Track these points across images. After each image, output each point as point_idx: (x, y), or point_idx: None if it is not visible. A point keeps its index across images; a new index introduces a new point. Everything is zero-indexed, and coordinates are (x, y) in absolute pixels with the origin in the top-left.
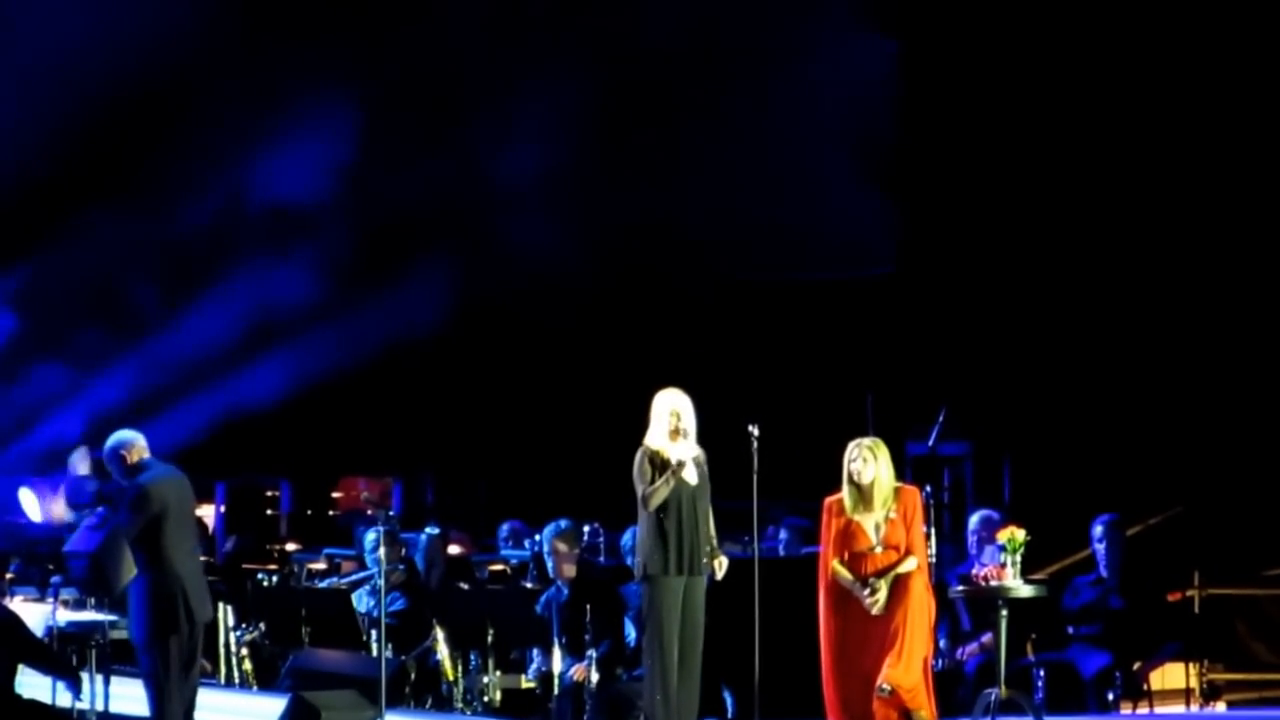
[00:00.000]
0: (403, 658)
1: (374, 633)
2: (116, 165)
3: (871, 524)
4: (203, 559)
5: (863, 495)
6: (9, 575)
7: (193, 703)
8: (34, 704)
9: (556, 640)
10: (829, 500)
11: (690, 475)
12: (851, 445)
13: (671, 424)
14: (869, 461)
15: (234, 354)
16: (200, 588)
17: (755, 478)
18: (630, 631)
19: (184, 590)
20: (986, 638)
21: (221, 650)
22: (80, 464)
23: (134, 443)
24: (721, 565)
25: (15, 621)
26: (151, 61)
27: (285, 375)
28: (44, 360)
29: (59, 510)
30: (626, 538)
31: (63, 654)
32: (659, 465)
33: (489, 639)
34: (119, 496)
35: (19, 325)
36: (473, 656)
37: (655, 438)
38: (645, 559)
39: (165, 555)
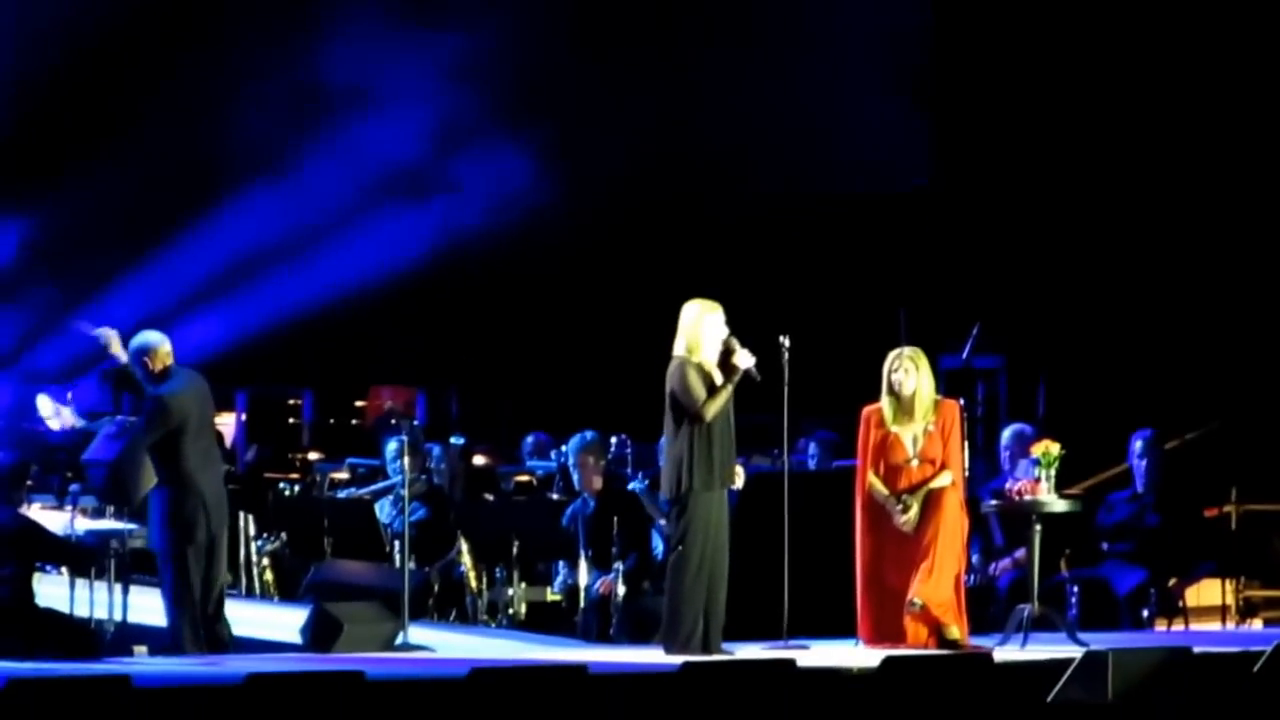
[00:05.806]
0: (426, 570)
1: (396, 544)
2: (134, 80)
3: (910, 436)
4: (224, 468)
5: (903, 406)
6: (27, 483)
7: (220, 614)
8: (52, 613)
9: (583, 553)
10: (867, 411)
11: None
12: (892, 355)
13: (725, 345)
14: (910, 372)
15: (259, 263)
16: (219, 500)
17: (786, 390)
18: (658, 544)
19: (204, 504)
20: (1019, 554)
21: (242, 561)
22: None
23: (157, 348)
24: (740, 476)
25: (33, 528)
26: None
27: (312, 284)
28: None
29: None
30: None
31: (82, 549)
32: (706, 378)
33: (514, 552)
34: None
35: (34, 234)
36: (498, 570)
37: (696, 354)
38: (686, 474)
39: (184, 468)
